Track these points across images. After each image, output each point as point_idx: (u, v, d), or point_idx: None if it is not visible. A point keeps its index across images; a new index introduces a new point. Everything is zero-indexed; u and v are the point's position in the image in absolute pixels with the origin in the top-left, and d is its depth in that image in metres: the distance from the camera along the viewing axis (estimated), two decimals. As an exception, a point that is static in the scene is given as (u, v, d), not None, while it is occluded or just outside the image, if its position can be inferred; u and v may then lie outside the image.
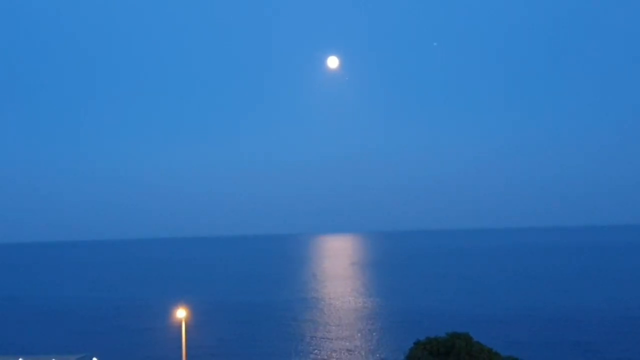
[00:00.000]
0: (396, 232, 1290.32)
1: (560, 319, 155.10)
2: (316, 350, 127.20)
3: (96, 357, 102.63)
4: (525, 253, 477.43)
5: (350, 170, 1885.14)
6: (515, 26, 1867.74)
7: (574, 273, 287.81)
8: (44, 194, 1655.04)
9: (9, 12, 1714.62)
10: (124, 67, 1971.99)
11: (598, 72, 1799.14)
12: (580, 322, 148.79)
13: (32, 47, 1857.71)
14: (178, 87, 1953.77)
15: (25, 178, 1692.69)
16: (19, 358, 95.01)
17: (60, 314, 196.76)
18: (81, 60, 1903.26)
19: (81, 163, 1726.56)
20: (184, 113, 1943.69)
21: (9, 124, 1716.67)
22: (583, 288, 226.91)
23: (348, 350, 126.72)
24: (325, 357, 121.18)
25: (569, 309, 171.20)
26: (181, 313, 68.76)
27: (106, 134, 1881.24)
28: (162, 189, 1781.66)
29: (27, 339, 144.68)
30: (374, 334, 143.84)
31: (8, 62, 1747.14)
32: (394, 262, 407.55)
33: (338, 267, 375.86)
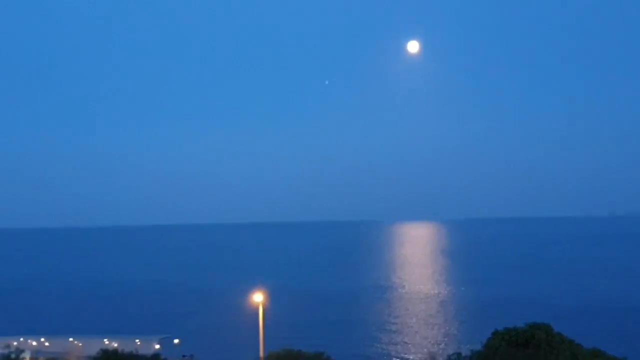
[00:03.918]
0: (474, 219, 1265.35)
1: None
2: (392, 338, 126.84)
3: (177, 338, 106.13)
4: (610, 243, 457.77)
5: (428, 157, 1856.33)
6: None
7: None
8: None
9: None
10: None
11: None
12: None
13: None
14: (249, 75, 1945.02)
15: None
16: (104, 339, 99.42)
17: (140, 295, 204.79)
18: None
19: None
20: (258, 101, 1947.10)
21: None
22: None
23: (425, 338, 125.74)
24: (402, 345, 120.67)
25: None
26: (258, 297, 69.27)
27: (183, 122, 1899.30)
28: (233, 175, 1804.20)
29: (111, 321, 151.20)
30: (452, 322, 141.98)
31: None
32: (472, 250, 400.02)
33: (415, 255, 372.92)
